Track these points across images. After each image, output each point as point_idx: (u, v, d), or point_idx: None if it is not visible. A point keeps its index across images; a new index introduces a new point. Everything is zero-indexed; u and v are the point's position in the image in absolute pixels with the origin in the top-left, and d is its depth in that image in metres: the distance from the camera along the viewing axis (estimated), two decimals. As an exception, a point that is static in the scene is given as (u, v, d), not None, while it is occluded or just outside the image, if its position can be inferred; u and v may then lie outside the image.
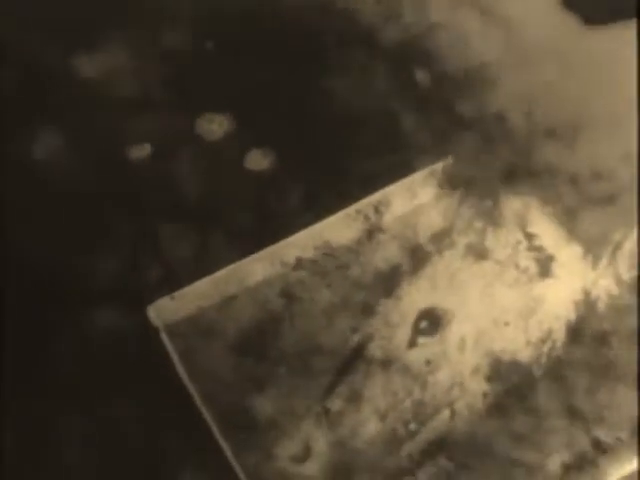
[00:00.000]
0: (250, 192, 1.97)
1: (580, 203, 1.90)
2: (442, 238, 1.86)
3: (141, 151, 2.02)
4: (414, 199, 1.91)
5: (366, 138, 2.03)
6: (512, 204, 1.90)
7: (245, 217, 1.93)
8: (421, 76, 2.13)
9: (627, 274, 1.81)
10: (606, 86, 2.03)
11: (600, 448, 1.63)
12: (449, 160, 1.94)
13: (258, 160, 2.00)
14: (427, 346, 1.75)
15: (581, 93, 2.04)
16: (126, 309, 1.80)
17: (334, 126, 2.05)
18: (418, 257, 1.84)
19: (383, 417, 1.67)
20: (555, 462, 1.63)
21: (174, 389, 1.69)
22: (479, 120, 2.03)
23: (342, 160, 2.00)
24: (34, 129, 2.05)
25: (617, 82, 2.04)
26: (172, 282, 1.80)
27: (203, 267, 1.82)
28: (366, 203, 1.89)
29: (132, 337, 1.77)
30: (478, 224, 1.87)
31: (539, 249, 1.84)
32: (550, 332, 1.76)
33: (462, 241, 1.86)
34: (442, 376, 1.71)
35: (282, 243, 1.83)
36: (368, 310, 1.78)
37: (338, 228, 1.86)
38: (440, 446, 1.65)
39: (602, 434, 1.64)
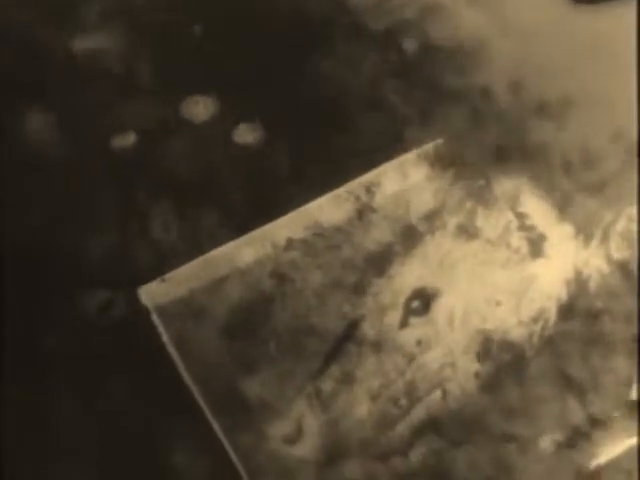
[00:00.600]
0: (240, 169, 1.96)
1: (571, 183, 1.90)
2: (433, 218, 1.86)
3: (129, 135, 2.00)
4: (405, 179, 1.90)
5: (355, 116, 2.02)
6: (503, 184, 1.89)
7: (235, 196, 1.92)
8: (409, 51, 2.12)
9: (618, 253, 1.81)
10: (596, 63, 2.02)
11: (594, 418, 1.64)
12: (440, 140, 1.94)
13: (246, 134, 1.99)
14: (418, 326, 1.75)
15: (571, 70, 2.03)
16: (117, 292, 1.79)
17: (322, 105, 2.04)
18: (409, 237, 1.84)
19: (375, 397, 1.67)
20: (546, 440, 1.64)
21: (166, 371, 1.69)
22: (469, 98, 2.03)
23: (331, 138, 1.99)
24: (23, 111, 2.04)
25: (608, 59, 2.03)
26: (163, 264, 1.79)
27: (193, 248, 1.81)
28: (357, 183, 1.88)
29: (123, 319, 1.77)
30: (469, 204, 1.87)
31: (530, 229, 1.84)
32: (542, 311, 1.76)
33: (453, 221, 1.85)
34: (433, 356, 1.72)
35: (272, 224, 1.82)
36: (359, 290, 1.78)
37: (329, 208, 1.86)
38: (432, 426, 1.65)
39: (596, 406, 1.65)
